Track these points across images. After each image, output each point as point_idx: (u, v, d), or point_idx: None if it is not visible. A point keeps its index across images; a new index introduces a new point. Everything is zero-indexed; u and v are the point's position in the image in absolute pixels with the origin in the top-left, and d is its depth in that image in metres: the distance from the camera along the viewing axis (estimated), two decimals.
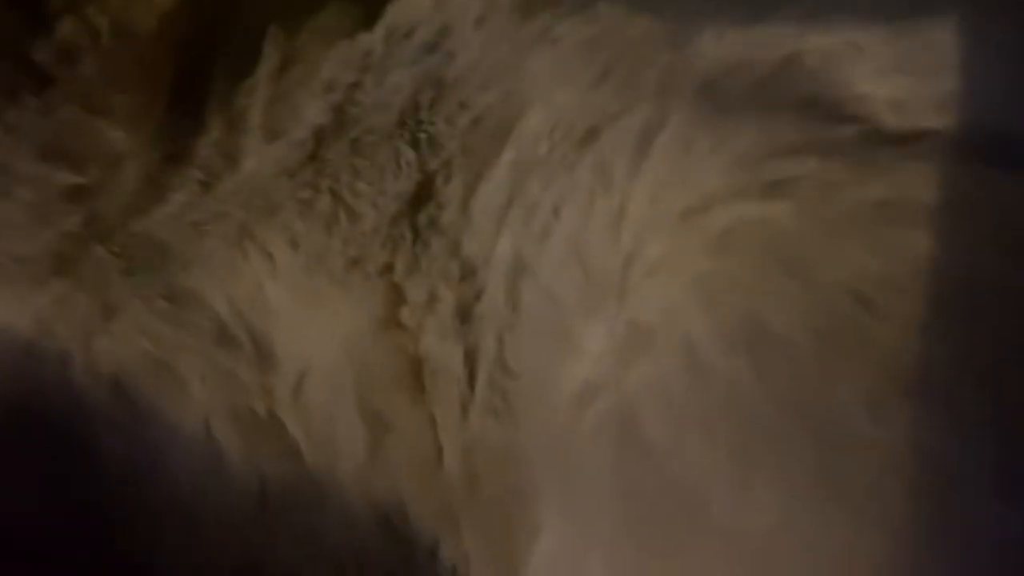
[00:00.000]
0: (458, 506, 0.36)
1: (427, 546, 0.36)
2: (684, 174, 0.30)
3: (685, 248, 0.29)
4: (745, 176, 0.29)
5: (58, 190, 0.36)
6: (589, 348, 0.31)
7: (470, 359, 0.34)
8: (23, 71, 0.34)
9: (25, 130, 0.35)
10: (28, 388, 0.39)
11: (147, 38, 0.36)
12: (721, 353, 0.28)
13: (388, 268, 0.35)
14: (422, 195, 0.35)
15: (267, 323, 0.37)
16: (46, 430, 0.38)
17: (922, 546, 0.25)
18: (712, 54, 0.33)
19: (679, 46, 0.33)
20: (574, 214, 0.32)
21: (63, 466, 0.38)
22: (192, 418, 0.37)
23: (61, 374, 0.38)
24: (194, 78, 0.37)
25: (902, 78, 0.31)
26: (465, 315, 0.34)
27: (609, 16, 0.35)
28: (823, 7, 0.32)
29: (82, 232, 0.37)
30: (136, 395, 0.37)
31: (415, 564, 0.37)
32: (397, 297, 0.35)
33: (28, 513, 0.39)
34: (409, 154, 0.36)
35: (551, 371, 0.32)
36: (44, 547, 0.38)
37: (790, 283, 0.28)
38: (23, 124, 0.35)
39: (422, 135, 0.36)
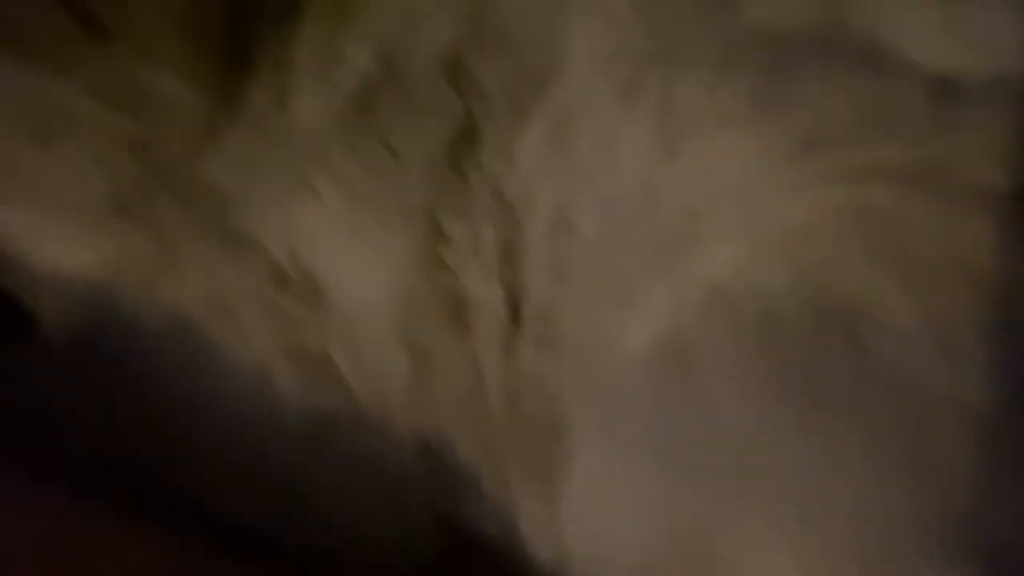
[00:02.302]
0: (498, 435, 0.37)
1: (468, 473, 0.38)
2: (765, 135, 0.30)
3: (774, 216, 0.30)
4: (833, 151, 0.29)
5: (118, 136, 0.37)
6: (644, 295, 0.32)
7: (512, 297, 0.35)
8: (80, 21, 0.35)
9: (85, 77, 0.36)
10: (94, 327, 0.41)
11: None
12: (808, 324, 0.28)
13: (432, 208, 0.36)
14: (467, 139, 0.36)
15: (319, 263, 0.38)
16: (112, 367, 0.41)
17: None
18: (765, 15, 0.32)
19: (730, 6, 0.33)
20: (630, 164, 0.33)
21: (127, 401, 0.41)
22: (249, 354, 0.39)
23: (128, 313, 0.40)
24: (243, 25, 0.38)
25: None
26: (508, 254, 0.35)
27: None
28: None
29: (142, 177, 0.38)
30: (197, 333, 0.39)
31: (456, 490, 0.38)
32: (440, 236, 0.36)
33: (95, 447, 0.41)
34: (454, 99, 0.36)
35: (603, 319, 0.33)
36: (110, 479, 0.41)
37: (888, 262, 0.28)
38: (83, 71, 0.36)
39: (467, 81, 0.36)
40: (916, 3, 0.30)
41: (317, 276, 0.38)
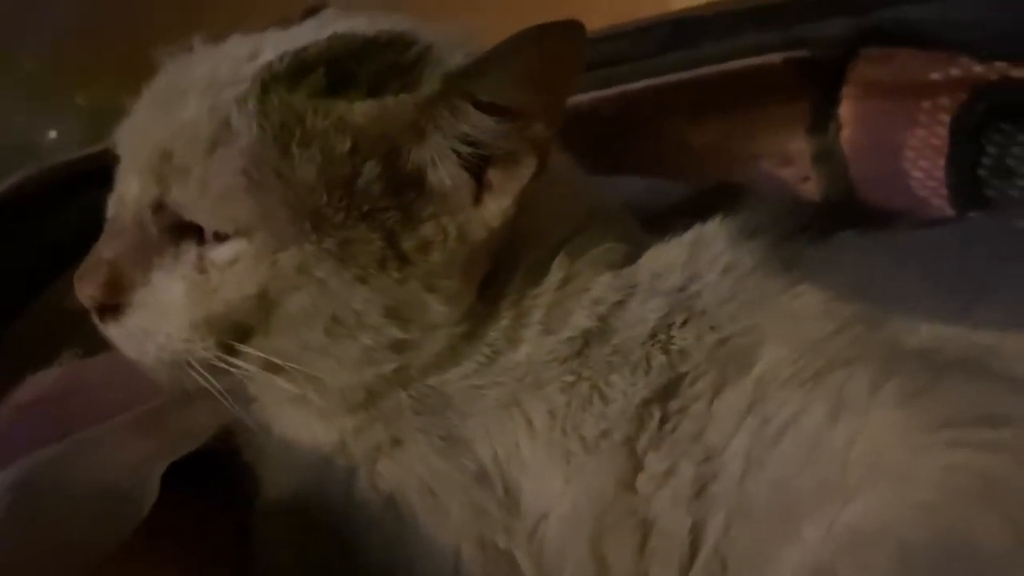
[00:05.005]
0: None
1: None
2: (911, 416, 0.39)
3: (911, 474, 0.37)
4: (962, 430, 0.38)
5: (388, 341, 0.46)
6: (807, 537, 0.38)
7: (696, 530, 0.42)
8: (393, 251, 0.46)
9: (383, 293, 0.45)
10: (319, 492, 0.48)
11: (477, 245, 0.47)
12: (935, 558, 0.35)
13: (631, 440, 0.44)
14: (669, 390, 0.45)
15: (519, 474, 0.46)
16: (327, 529, 0.47)
17: None
18: (925, 334, 0.42)
19: (898, 322, 0.43)
20: (810, 427, 0.41)
21: (335, 562, 0.47)
22: (446, 539, 0.45)
23: (348, 485, 0.47)
24: (498, 278, 0.48)
25: None
26: (700, 491, 0.42)
27: (838, 286, 0.46)
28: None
29: (392, 376, 0.47)
30: (404, 512, 0.46)
31: None
32: (636, 465, 0.44)
33: None
34: (660, 359, 0.46)
35: (769, 552, 0.39)
36: None
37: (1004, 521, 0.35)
38: (383, 288, 0.45)
39: (673, 346, 0.46)
40: None
41: (517, 484, 0.45)
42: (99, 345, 0.49)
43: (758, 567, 0.40)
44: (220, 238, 0.45)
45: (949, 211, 0.63)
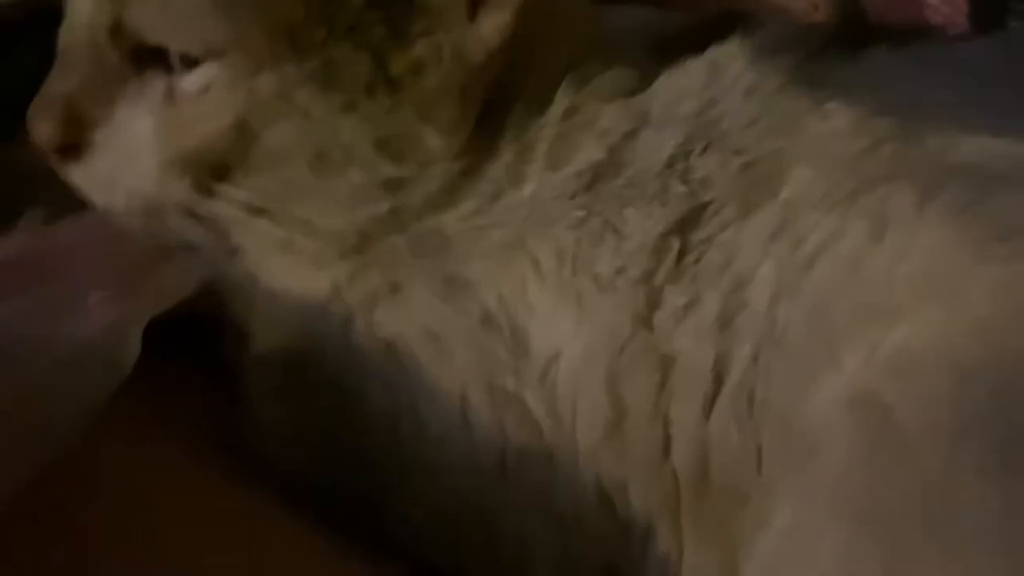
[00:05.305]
0: (680, 498, 0.40)
1: (643, 528, 0.41)
2: (963, 231, 0.36)
3: (963, 291, 0.35)
4: (1017, 243, 0.35)
5: (380, 179, 0.42)
6: (847, 364, 0.36)
7: (720, 364, 0.39)
8: (382, 74, 0.41)
9: (373, 122, 0.41)
10: (313, 342, 0.45)
11: (475, 68, 0.43)
12: (998, 389, 0.32)
13: (649, 275, 0.41)
14: (691, 222, 0.41)
15: (526, 317, 0.43)
16: (324, 381, 0.45)
17: None
18: (968, 148, 0.39)
19: (939, 137, 0.40)
20: (849, 248, 0.38)
21: (333, 411, 0.44)
22: (451, 384, 0.43)
23: (344, 334, 0.44)
24: (498, 110, 0.44)
25: None
26: (726, 323, 0.39)
27: (875, 95, 0.42)
28: None
29: (387, 217, 0.43)
30: (406, 358, 0.43)
31: (630, 542, 0.41)
32: (654, 300, 0.41)
33: (298, 453, 0.45)
34: (679, 188, 0.42)
35: (804, 382, 0.37)
36: (309, 481, 0.44)
37: None
38: (373, 117, 0.41)
39: (693, 175, 0.42)
40: None
41: (523, 327, 0.43)
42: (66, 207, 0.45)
43: (790, 398, 0.37)
44: (189, 63, 0.40)
45: None
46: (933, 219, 0.37)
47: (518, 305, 0.43)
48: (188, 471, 0.45)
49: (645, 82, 0.45)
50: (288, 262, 0.45)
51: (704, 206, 0.42)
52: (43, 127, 0.42)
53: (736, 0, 0.66)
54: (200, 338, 0.48)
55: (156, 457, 0.44)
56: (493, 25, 0.42)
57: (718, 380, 0.39)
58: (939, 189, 0.38)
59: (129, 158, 0.42)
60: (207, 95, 0.40)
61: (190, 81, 0.41)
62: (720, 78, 0.44)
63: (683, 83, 0.45)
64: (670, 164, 0.43)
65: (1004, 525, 0.31)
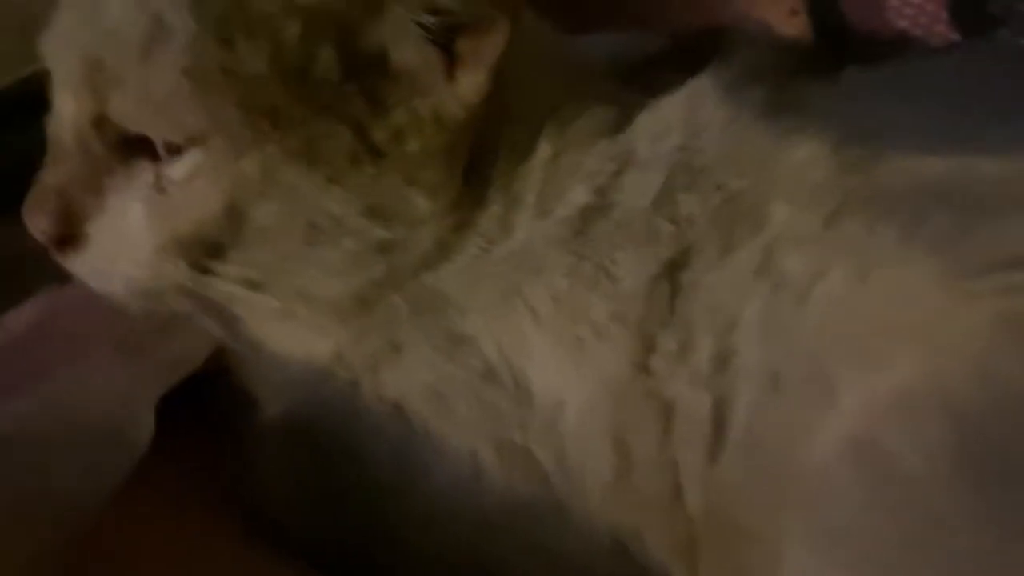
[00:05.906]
0: (694, 542, 0.40)
1: (660, 573, 0.41)
2: (950, 264, 0.36)
3: (957, 327, 0.35)
4: (1007, 274, 0.35)
5: (372, 243, 0.43)
6: (844, 406, 0.36)
7: (719, 409, 0.39)
8: (365, 145, 0.42)
9: (360, 191, 0.42)
10: (320, 407, 0.46)
11: (456, 127, 0.43)
12: (994, 430, 0.33)
13: (644, 320, 0.41)
14: (679, 262, 0.42)
15: (527, 365, 0.43)
16: (331, 443, 0.45)
17: None
18: (944, 169, 0.39)
19: (915, 159, 0.40)
20: (836, 289, 0.38)
21: (341, 474, 0.45)
22: (458, 440, 0.43)
23: (350, 396, 0.45)
24: (483, 162, 0.44)
25: None
26: (720, 366, 0.40)
27: (851, 120, 0.42)
28: None
29: (383, 279, 0.44)
30: (413, 418, 0.44)
31: None
32: (651, 346, 0.41)
33: (306, 514, 0.46)
34: (667, 227, 0.42)
35: (804, 426, 0.37)
36: (316, 547, 0.45)
37: None
38: (359, 186, 0.42)
39: (679, 212, 0.42)
40: None
41: (525, 377, 0.43)
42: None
43: (791, 443, 0.37)
44: (173, 151, 0.41)
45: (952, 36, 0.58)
46: (918, 256, 0.37)
47: (519, 355, 0.43)
48: (204, 538, 0.46)
49: (626, 119, 0.46)
50: (290, 329, 0.46)
51: (690, 245, 0.42)
52: (38, 221, 0.42)
53: (713, 10, 0.66)
54: (207, 402, 0.49)
55: (171, 530, 0.45)
56: (472, 82, 0.42)
57: (718, 424, 0.39)
58: (921, 220, 0.38)
59: (123, 247, 0.42)
60: (194, 181, 0.41)
61: (176, 168, 0.41)
62: (699, 110, 0.45)
63: (663, 119, 0.45)
64: (657, 203, 0.43)
65: (1002, 564, 0.32)
